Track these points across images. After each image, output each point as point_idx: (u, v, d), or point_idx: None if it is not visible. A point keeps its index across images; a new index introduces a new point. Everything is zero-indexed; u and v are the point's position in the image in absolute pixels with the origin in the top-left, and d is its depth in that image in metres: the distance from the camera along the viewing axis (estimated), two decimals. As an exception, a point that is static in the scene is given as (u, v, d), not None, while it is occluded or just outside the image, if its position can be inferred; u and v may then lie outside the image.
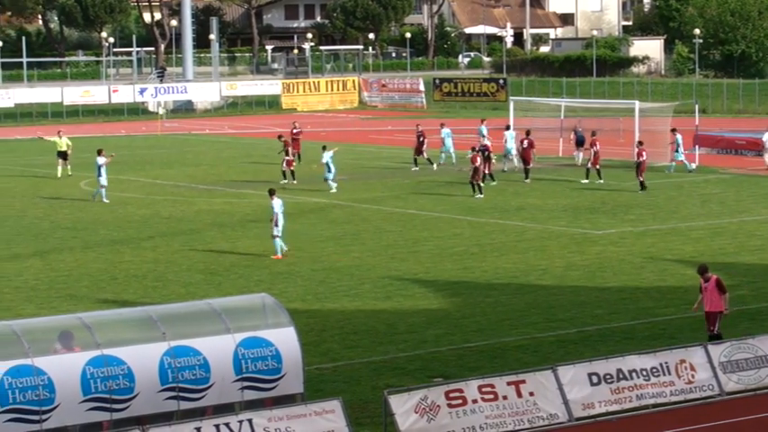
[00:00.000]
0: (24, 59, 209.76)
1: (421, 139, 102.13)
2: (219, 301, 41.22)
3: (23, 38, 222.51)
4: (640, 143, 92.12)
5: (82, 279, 61.86)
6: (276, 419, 35.91)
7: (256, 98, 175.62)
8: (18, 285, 60.54)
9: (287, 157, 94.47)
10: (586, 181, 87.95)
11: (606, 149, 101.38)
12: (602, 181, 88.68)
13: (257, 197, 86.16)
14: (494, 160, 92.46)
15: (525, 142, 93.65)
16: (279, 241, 65.76)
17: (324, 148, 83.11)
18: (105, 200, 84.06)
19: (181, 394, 36.23)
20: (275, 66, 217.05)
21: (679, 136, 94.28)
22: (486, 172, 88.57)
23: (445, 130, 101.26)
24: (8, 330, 37.63)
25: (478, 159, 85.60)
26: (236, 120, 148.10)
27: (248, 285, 55.53)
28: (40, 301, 56.13)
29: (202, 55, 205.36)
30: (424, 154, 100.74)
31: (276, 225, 65.76)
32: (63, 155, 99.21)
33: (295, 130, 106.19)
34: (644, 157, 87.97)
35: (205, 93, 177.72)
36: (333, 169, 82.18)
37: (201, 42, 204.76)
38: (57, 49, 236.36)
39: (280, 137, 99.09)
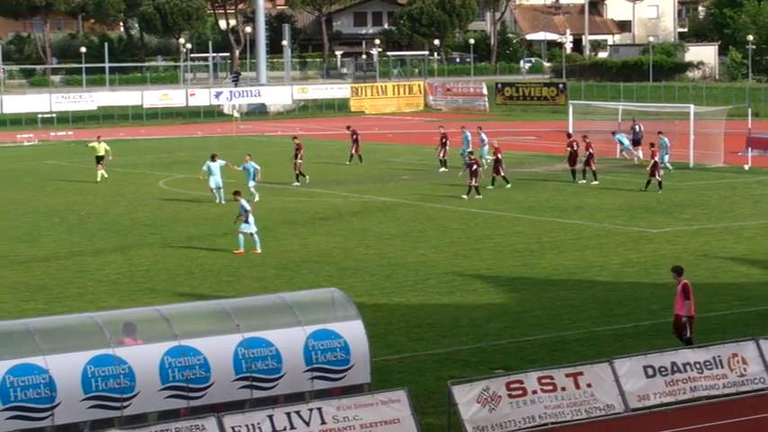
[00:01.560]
0: (107, 64, 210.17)
1: (444, 140, 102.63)
2: (291, 295, 41.33)
3: (106, 44, 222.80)
4: (651, 145, 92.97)
5: (160, 273, 62.06)
6: (344, 408, 35.90)
7: (326, 101, 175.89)
8: (100, 279, 60.79)
9: (297, 160, 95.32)
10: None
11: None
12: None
13: (327, 196, 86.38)
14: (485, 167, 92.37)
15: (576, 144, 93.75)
16: (242, 237, 66.71)
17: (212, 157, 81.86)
18: (222, 201, 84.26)
19: (254, 384, 36.34)
20: (344, 70, 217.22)
21: (665, 139, 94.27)
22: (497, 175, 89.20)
23: (481, 135, 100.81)
24: (91, 321, 37.95)
25: (474, 165, 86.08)
26: (307, 122, 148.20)
27: (318, 280, 55.58)
28: (122, 294, 56.34)
29: (275, 60, 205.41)
30: (444, 156, 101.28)
31: (247, 222, 66.72)
32: (100, 159, 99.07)
33: (352, 133, 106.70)
34: (656, 158, 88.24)
35: (277, 96, 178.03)
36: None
37: (274, 48, 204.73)
38: (137, 55, 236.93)
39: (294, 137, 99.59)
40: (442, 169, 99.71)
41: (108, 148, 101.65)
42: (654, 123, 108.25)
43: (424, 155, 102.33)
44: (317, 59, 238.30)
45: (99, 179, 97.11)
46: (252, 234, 66.81)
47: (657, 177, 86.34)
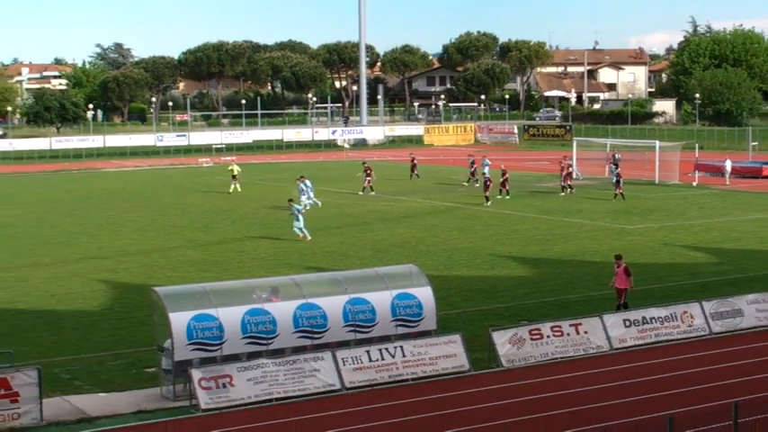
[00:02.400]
0: (259, 111, 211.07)
1: (413, 163, 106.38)
2: (382, 269, 41.54)
3: (258, 97, 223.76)
4: (616, 164, 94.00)
5: (293, 253, 62.19)
6: (418, 346, 36.55)
7: (407, 137, 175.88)
8: (254, 257, 61.10)
9: (368, 178, 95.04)
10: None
11: (637, 173, 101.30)
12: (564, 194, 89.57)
13: (407, 202, 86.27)
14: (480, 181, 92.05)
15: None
16: (298, 231, 66.99)
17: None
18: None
19: (356, 329, 36.65)
20: (420, 116, 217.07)
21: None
22: (504, 189, 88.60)
23: (485, 161, 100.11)
24: (246, 286, 38.48)
25: (490, 182, 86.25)
26: (394, 151, 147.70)
27: (401, 259, 55.55)
28: (267, 267, 56.63)
29: (372, 108, 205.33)
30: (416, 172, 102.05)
31: (297, 220, 67.05)
32: (234, 177, 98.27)
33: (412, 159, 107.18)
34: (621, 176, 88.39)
35: (374, 133, 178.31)
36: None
37: (372, 100, 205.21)
38: (279, 105, 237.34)
39: (364, 162, 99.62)
40: (465, 184, 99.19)
41: (239, 168, 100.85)
42: (631, 153, 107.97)
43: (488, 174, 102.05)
44: (401, 108, 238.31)
45: (231, 190, 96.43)
46: (300, 228, 66.94)
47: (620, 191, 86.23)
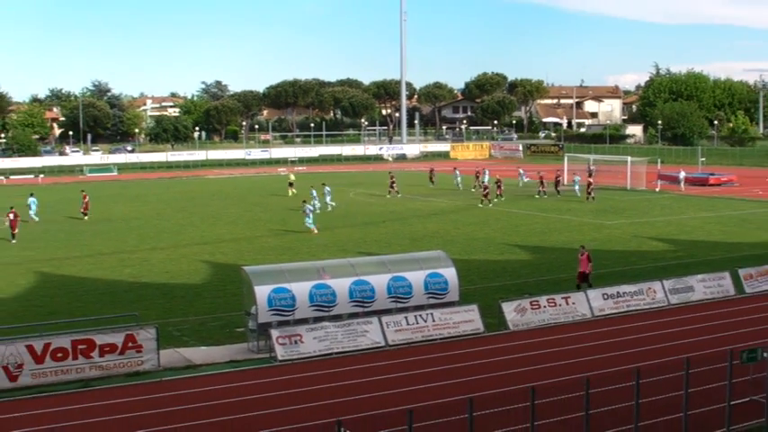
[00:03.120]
0: (323, 132, 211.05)
1: (477, 174, 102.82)
2: (417, 254, 41.66)
3: (323, 122, 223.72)
4: (590, 174, 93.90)
5: (349, 242, 62.12)
6: (445, 313, 36.38)
7: (437, 152, 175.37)
8: (318, 244, 61.01)
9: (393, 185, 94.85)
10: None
11: (613, 181, 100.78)
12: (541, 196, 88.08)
13: (437, 202, 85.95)
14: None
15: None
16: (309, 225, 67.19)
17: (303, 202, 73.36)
18: (332, 206, 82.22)
19: (397, 300, 36.63)
20: (447, 136, 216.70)
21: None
22: (498, 194, 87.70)
23: (485, 171, 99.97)
24: (312, 267, 38.39)
25: (488, 187, 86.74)
26: (431, 163, 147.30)
27: (432, 246, 55.42)
28: (329, 252, 56.51)
29: (410, 130, 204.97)
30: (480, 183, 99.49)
31: (308, 217, 67.31)
32: (291, 184, 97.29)
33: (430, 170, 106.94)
34: (593, 183, 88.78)
35: (412, 149, 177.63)
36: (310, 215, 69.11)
37: (410, 124, 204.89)
38: (339, 128, 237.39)
39: (432, 170, 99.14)
40: (472, 190, 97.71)
41: (294, 177, 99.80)
42: (608, 167, 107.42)
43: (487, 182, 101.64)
44: (433, 130, 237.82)
45: (290, 194, 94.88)
46: (310, 224, 67.02)
47: (591, 194, 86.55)
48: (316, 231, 66.80)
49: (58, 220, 77.11)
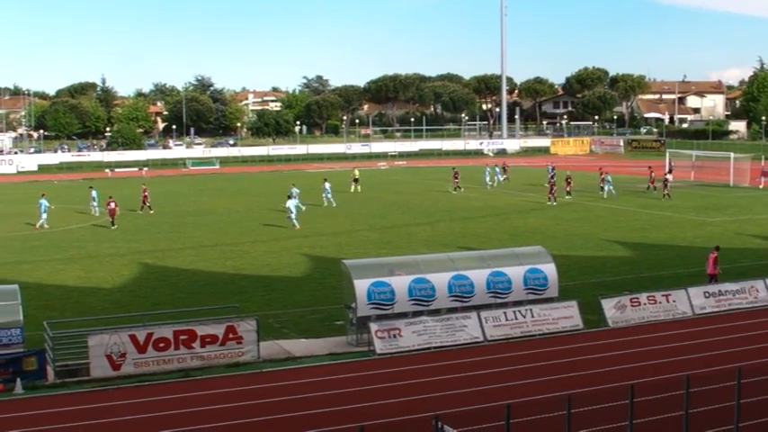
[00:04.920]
0: (424, 127, 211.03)
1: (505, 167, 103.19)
2: (517, 249, 41.26)
3: (423, 116, 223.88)
4: (670, 171, 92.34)
5: (448, 236, 62.08)
6: (544, 309, 36.24)
7: (537, 147, 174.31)
8: (419, 238, 61.04)
9: (456, 180, 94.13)
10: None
11: (716, 178, 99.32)
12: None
13: (535, 198, 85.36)
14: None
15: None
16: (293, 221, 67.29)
17: (289, 196, 71.60)
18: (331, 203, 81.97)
19: (496, 295, 36.47)
20: (547, 131, 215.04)
21: (609, 175, 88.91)
22: (567, 190, 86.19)
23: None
24: (414, 261, 38.37)
25: (554, 183, 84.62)
26: (526, 158, 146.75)
27: (532, 242, 54.83)
28: (428, 246, 56.40)
29: (510, 125, 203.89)
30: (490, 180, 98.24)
31: (292, 212, 67.61)
32: (356, 180, 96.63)
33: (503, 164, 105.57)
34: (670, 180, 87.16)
35: (512, 144, 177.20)
36: (294, 212, 68.77)
37: (510, 119, 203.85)
38: (439, 122, 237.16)
39: (504, 166, 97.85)
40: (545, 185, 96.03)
41: (359, 173, 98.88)
42: (712, 162, 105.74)
43: (588, 177, 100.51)
44: (533, 125, 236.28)
45: (353, 190, 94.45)
46: (293, 219, 67.25)
47: (668, 192, 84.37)
48: (297, 227, 66.75)
49: (161, 213, 78.21)
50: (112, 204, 69.87)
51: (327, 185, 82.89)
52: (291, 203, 69.02)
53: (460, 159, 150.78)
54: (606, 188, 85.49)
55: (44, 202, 70.71)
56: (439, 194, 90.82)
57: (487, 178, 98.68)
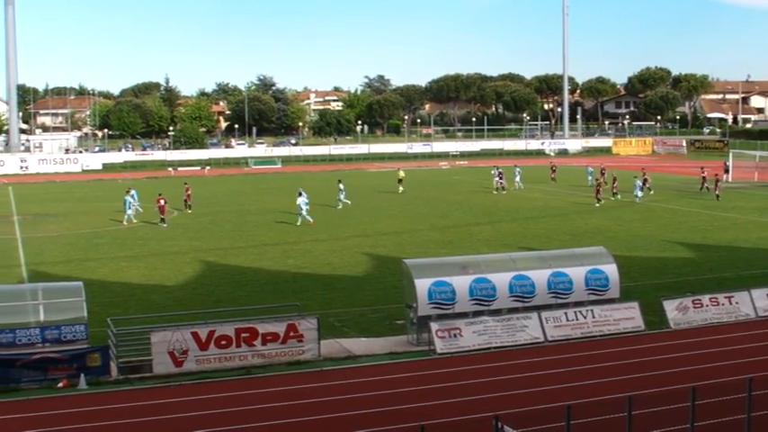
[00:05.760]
0: (485, 127, 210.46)
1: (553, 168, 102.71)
2: (578, 250, 41.08)
3: (485, 116, 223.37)
4: (726, 171, 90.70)
5: (510, 236, 61.86)
6: (605, 310, 36.03)
7: (598, 148, 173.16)
8: (479, 238, 60.91)
9: (501, 181, 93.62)
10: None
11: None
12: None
13: (586, 199, 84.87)
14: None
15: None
16: (307, 218, 69.24)
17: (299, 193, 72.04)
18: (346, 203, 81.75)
19: (557, 296, 36.27)
20: (609, 131, 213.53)
21: (638, 182, 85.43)
22: (613, 191, 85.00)
23: (590, 168, 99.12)
24: (475, 261, 38.40)
25: (600, 184, 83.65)
26: (588, 159, 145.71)
27: (593, 242, 54.48)
28: (490, 246, 56.20)
29: (572, 125, 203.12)
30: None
31: (302, 209, 69.11)
32: (400, 180, 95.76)
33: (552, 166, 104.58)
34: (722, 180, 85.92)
35: (573, 144, 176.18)
36: (304, 208, 69.91)
37: (572, 119, 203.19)
38: (500, 122, 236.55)
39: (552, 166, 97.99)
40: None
41: (403, 174, 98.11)
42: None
43: (652, 178, 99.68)
44: (595, 125, 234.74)
45: (399, 191, 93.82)
46: (305, 215, 69.15)
47: (719, 193, 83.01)
48: (298, 224, 68.50)
49: (223, 212, 78.71)
50: (162, 201, 70.98)
51: (342, 186, 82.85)
52: (302, 201, 70.03)
53: (522, 160, 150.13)
54: (636, 192, 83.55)
55: (128, 199, 72.78)
56: (499, 194, 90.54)
57: (589, 178, 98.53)
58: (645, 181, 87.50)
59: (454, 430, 24.86)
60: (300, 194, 70.93)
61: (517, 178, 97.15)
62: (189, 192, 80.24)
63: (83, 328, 31.18)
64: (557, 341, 34.54)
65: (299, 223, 68.73)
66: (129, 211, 71.92)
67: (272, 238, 62.53)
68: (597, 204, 79.88)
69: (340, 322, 37.67)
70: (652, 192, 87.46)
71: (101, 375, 30.39)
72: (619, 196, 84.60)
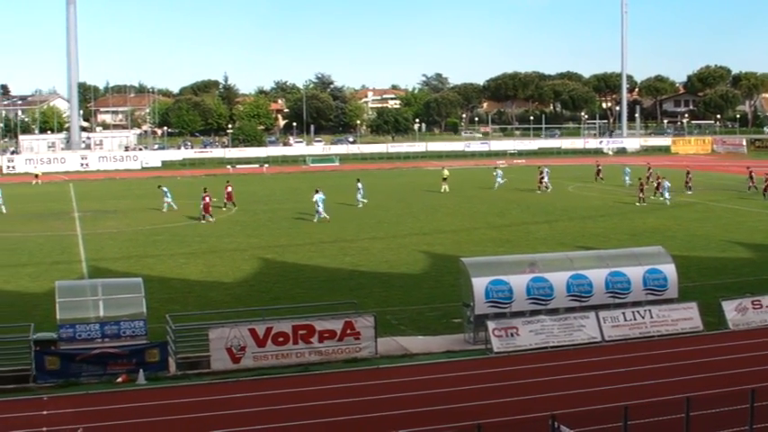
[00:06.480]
0: (543, 125, 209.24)
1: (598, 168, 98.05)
2: (636, 249, 40.83)
3: (542, 115, 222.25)
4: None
5: (567, 235, 61.53)
6: (663, 310, 35.82)
7: (657, 146, 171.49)
8: (537, 237, 60.71)
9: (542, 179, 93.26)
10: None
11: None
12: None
13: (654, 198, 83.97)
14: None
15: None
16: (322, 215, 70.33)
17: (316, 191, 72.85)
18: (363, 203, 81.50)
19: (615, 295, 36.09)
20: (668, 130, 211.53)
21: (667, 183, 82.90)
22: (657, 191, 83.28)
23: (626, 169, 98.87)
24: (532, 260, 38.22)
25: (643, 184, 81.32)
26: (646, 158, 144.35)
27: (651, 242, 53.97)
28: (547, 245, 55.92)
29: (630, 124, 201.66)
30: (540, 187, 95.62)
31: (319, 207, 70.14)
32: (445, 179, 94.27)
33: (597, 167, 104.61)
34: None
35: (632, 143, 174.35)
36: (321, 205, 70.86)
37: (630, 118, 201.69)
38: (558, 121, 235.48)
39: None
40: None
41: (448, 172, 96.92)
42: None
43: (706, 177, 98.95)
44: (653, 124, 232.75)
45: (442, 191, 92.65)
46: (321, 213, 70.31)
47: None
48: (315, 221, 69.52)
49: (281, 209, 79.05)
50: (207, 198, 71.83)
51: (360, 185, 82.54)
52: (318, 197, 70.81)
53: (580, 158, 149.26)
54: (664, 193, 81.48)
55: (166, 190, 74.88)
56: (557, 193, 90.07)
57: (627, 178, 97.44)
58: (688, 180, 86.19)
59: (511, 429, 24.82)
60: (317, 192, 71.84)
61: (498, 179, 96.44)
62: (228, 189, 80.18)
63: (142, 324, 31.50)
64: (614, 341, 34.35)
65: (315, 220, 69.56)
66: (167, 199, 74.04)
67: (329, 236, 62.71)
68: (637, 204, 79.05)
69: (397, 320, 37.73)
70: (691, 192, 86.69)
71: (159, 371, 30.68)
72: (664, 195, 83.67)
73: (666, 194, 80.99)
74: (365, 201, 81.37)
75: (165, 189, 79.33)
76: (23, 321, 33.62)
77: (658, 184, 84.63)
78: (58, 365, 30.07)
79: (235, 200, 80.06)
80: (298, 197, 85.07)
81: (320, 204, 70.45)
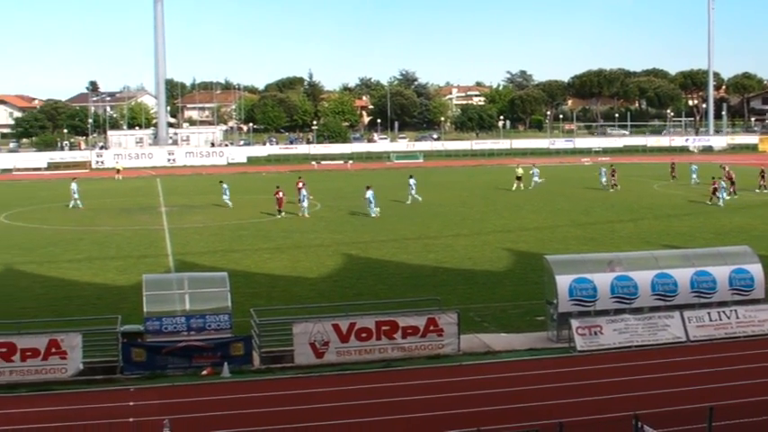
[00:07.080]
0: (628, 123, 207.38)
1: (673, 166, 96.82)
2: (722, 249, 40.25)
3: (627, 112, 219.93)
4: None
5: (652, 233, 60.75)
6: (749, 311, 35.39)
7: (744, 145, 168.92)
8: (621, 235, 60.13)
9: (613, 177, 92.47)
10: None
11: None
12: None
13: (743, 196, 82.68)
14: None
15: None
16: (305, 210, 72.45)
17: (367, 187, 73.82)
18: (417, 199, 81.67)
19: (700, 295, 35.73)
20: (755, 128, 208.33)
21: (723, 183, 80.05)
22: (731, 191, 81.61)
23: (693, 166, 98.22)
24: (616, 258, 37.95)
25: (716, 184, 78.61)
26: (732, 156, 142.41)
27: (737, 241, 52.90)
28: (632, 243, 55.33)
29: (717, 122, 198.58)
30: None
31: (303, 202, 72.21)
32: (518, 178, 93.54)
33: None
34: None
35: (718, 141, 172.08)
36: (373, 201, 72.48)
37: (717, 115, 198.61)
38: (644, 118, 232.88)
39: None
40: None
41: (521, 170, 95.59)
42: None
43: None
44: (741, 122, 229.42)
45: (514, 188, 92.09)
46: (373, 209, 71.86)
47: None
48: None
49: (361, 206, 79.31)
50: (280, 194, 73.65)
51: (412, 182, 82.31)
52: (370, 194, 72.07)
53: (665, 156, 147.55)
54: (720, 195, 78.27)
55: (304, 192, 75.24)
56: (642, 191, 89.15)
57: (695, 176, 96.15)
58: (731, 181, 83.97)
59: (593, 429, 24.64)
60: (368, 189, 72.93)
61: (535, 178, 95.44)
62: (299, 186, 78.17)
63: (227, 318, 31.81)
64: (699, 341, 33.94)
65: (373, 215, 71.10)
66: (304, 204, 74.18)
67: (413, 232, 62.80)
68: (709, 202, 77.72)
69: (480, 317, 37.67)
70: (766, 191, 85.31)
71: (243, 364, 30.98)
72: (735, 195, 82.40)
73: (724, 195, 78.40)
74: (418, 198, 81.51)
75: (225, 186, 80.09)
76: (111, 314, 34.19)
77: (733, 182, 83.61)
78: (144, 357, 30.57)
79: (311, 196, 79.62)
80: (382, 194, 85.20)
81: (372, 201, 71.66)
